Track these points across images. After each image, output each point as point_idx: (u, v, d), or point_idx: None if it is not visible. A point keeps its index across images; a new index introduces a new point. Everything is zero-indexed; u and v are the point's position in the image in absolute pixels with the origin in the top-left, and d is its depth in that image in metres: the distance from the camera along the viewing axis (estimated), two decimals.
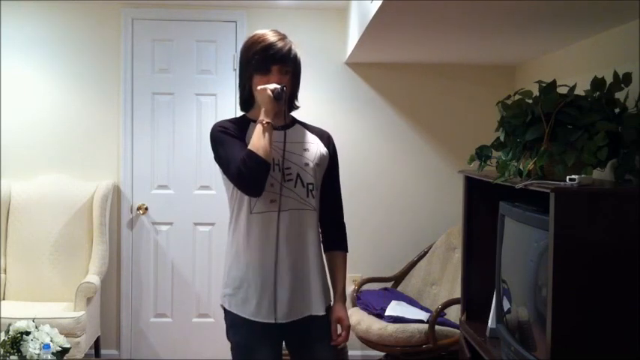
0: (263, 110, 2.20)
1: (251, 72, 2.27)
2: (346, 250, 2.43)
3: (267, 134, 2.16)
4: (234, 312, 2.27)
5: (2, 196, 4.31)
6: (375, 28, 3.15)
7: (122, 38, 4.49)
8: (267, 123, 2.17)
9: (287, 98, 2.28)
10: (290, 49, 2.29)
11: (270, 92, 2.19)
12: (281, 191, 2.23)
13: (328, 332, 2.33)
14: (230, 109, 4.49)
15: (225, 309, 2.32)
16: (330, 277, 2.39)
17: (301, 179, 2.26)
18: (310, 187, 2.27)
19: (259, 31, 2.34)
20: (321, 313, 2.29)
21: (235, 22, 4.52)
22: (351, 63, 4.53)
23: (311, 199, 2.27)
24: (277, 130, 2.24)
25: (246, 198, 2.23)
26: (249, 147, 2.15)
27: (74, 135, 4.51)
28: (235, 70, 4.50)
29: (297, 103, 2.37)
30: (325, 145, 2.37)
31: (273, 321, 2.24)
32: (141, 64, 4.51)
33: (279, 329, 2.27)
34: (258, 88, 2.22)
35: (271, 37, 2.28)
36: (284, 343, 2.37)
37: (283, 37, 2.30)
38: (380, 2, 2.66)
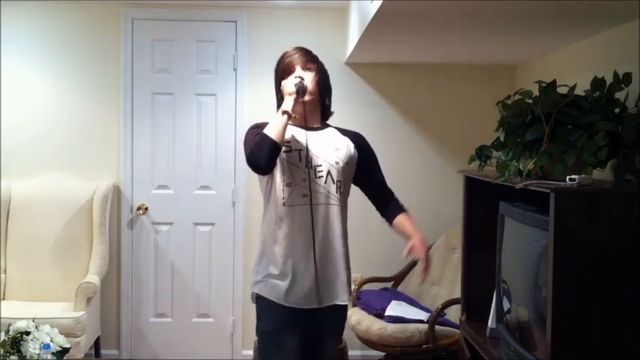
0: (285, 101, 2.38)
1: (280, 78, 2.50)
2: (403, 211, 2.61)
3: (282, 121, 2.32)
4: (265, 296, 2.42)
5: (2, 196, 4.31)
6: (375, 28, 3.15)
7: (122, 38, 4.49)
8: (285, 112, 2.34)
9: (307, 91, 2.46)
10: (310, 52, 2.58)
11: (290, 84, 2.40)
12: (312, 186, 2.39)
13: (343, 319, 2.56)
14: (230, 109, 4.49)
15: (257, 295, 2.46)
16: (405, 231, 2.57)
17: (332, 176, 2.43)
18: (339, 184, 2.45)
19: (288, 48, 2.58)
20: (345, 302, 2.49)
21: (235, 22, 4.52)
22: (351, 63, 4.53)
23: (339, 195, 2.44)
24: (313, 131, 2.48)
25: (279, 191, 2.39)
26: (264, 130, 2.32)
27: (74, 135, 4.51)
28: (235, 70, 4.51)
29: (331, 109, 2.62)
30: (356, 146, 2.56)
31: (302, 307, 2.40)
32: (141, 64, 4.51)
33: (305, 315, 2.41)
34: (282, 82, 2.44)
35: (295, 48, 2.58)
36: None
37: (305, 49, 2.59)
38: (380, 2, 2.66)
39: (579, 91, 2.40)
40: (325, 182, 2.42)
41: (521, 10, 2.69)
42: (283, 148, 2.37)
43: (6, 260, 4.28)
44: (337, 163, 2.46)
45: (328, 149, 2.47)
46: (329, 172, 2.43)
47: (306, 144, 2.43)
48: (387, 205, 2.62)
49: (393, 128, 4.57)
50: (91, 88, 4.52)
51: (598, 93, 2.38)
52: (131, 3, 4.48)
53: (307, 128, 2.47)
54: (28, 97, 4.49)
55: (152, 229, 4.56)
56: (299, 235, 2.39)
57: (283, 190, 2.40)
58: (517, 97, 2.51)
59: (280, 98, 2.47)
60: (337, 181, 2.44)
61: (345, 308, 2.53)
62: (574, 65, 3.46)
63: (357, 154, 2.55)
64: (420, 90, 4.58)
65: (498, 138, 2.63)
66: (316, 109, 2.53)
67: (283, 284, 2.39)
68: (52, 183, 4.41)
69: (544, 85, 2.42)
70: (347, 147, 2.53)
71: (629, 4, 2.50)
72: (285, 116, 2.33)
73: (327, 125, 2.60)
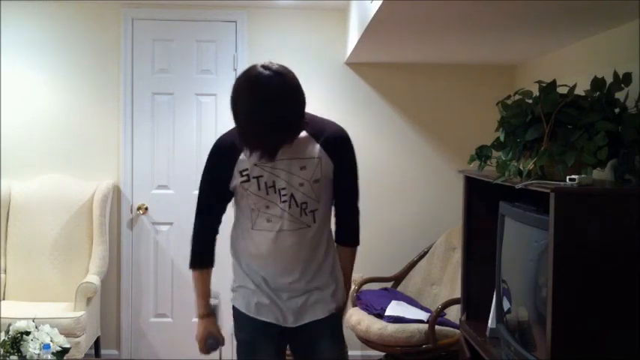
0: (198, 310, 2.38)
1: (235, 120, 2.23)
2: (351, 245, 2.45)
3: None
4: (237, 308, 2.36)
5: (2, 196, 4.31)
6: (375, 28, 3.15)
7: (122, 38, 4.49)
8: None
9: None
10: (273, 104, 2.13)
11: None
12: (275, 212, 2.23)
13: (334, 331, 2.36)
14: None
15: (232, 305, 2.40)
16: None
17: (295, 199, 2.22)
18: (304, 205, 2.23)
19: None
20: (329, 313, 2.32)
21: (235, 22, 4.52)
22: (351, 63, 4.53)
23: (304, 217, 2.24)
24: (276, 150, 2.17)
25: (247, 213, 2.27)
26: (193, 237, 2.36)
27: (74, 135, 4.51)
28: (235, 70, 4.51)
29: (305, 117, 2.22)
30: (329, 152, 2.24)
31: (273, 322, 2.30)
32: (141, 64, 4.51)
33: (282, 329, 2.32)
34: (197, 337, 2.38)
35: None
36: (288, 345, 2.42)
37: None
38: (380, 2, 2.66)
39: (579, 91, 2.40)
40: (289, 207, 2.22)
41: (521, 10, 2.69)
42: (241, 179, 2.22)
43: (6, 260, 4.28)
44: (301, 184, 2.22)
45: (292, 169, 2.21)
46: (292, 196, 2.22)
47: (262, 171, 2.21)
48: (339, 224, 2.41)
49: (392, 128, 4.56)
50: (91, 88, 4.51)
51: (598, 93, 2.37)
52: (131, 3, 4.48)
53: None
54: (28, 97, 4.49)
55: (152, 229, 4.56)
56: (265, 257, 2.26)
57: (250, 214, 2.26)
58: (517, 97, 2.51)
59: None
60: (302, 203, 2.22)
61: (333, 317, 2.34)
62: (574, 65, 3.46)
63: (331, 162, 2.25)
64: (420, 90, 4.58)
65: (498, 138, 2.63)
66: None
67: (250, 301, 2.31)
68: (52, 183, 4.41)
69: (544, 85, 2.42)
70: (317, 160, 2.22)
71: (629, 4, 2.50)
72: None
73: (301, 130, 2.24)
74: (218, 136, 2.35)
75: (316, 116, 2.31)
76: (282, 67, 2.12)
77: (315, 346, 2.33)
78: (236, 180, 2.25)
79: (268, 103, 2.04)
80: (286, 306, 2.29)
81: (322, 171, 2.24)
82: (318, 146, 2.24)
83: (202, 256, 2.36)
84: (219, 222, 2.36)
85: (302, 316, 2.30)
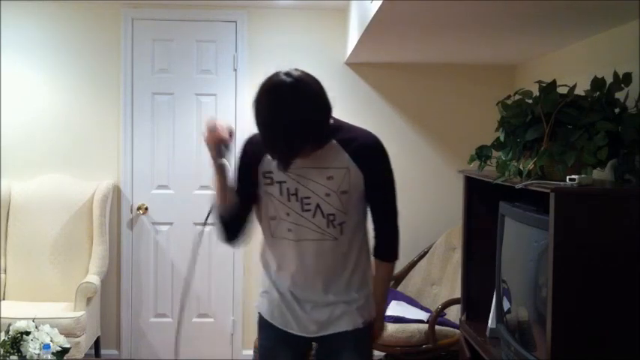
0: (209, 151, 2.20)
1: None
2: (387, 260, 2.35)
3: (215, 178, 2.20)
4: (261, 314, 2.32)
5: (2, 196, 4.31)
6: (375, 28, 3.15)
7: (122, 38, 4.49)
8: (214, 163, 2.19)
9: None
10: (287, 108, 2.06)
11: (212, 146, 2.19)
12: (297, 221, 2.15)
13: (357, 345, 2.27)
14: (230, 109, 4.49)
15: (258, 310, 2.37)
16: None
17: (321, 210, 2.13)
18: (331, 217, 2.14)
19: None
20: (349, 328, 2.23)
21: (235, 22, 4.52)
22: (351, 63, 4.53)
23: (331, 229, 2.15)
24: (304, 159, 2.10)
25: (265, 221, 2.23)
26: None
27: (74, 135, 4.51)
28: (235, 70, 4.51)
29: (335, 123, 2.17)
30: (359, 162, 2.14)
31: (296, 332, 2.25)
32: (141, 64, 4.51)
33: (304, 339, 2.27)
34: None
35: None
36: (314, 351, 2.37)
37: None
38: (380, 2, 2.66)
39: (579, 91, 2.40)
40: (314, 216, 2.13)
41: (521, 10, 2.69)
42: (265, 180, 2.16)
43: (6, 260, 4.28)
44: (328, 195, 2.12)
45: (319, 178, 2.12)
46: (318, 206, 2.13)
47: (287, 177, 2.13)
48: (375, 238, 2.32)
49: (392, 128, 4.56)
50: (91, 88, 4.51)
51: (598, 93, 2.38)
52: (131, 3, 4.48)
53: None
54: (28, 97, 4.49)
55: (152, 229, 4.56)
56: (287, 267, 2.21)
57: (269, 222, 2.20)
58: (517, 97, 2.51)
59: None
60: (329, 214, 2.13)
61: (358, 331, 2.23)
62: (574, 65, 3.46)
63: (360, 173, 2.15)
64: (420, 90, 4.58)
65: (498, 138, 2.63)
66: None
67: (273, 308, 2.27)
68: (52, 183, 4.41)
69: (544, 85, 2.42)
70: (345, 171, 2.13)
71: (629, 4, 2.50)
72: (215, 168, 2.18)
73: (330, 138, 2.15)
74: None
75: (347, 123, 2.23)
76: (305, 74, 2.05)
77: (338, 358, 2.27)
78: (260, 182, 2.19)
79: (284, 109, 1.97)
80: (310, 317, 2.23)
81: (351, 182, 2.14)
82: (346, 155, 2.14)
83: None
84: (246, 210, 2.27)
85: (326, 327, 2.24)
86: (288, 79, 1.99)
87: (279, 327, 2.27)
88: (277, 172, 2.14)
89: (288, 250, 2.19)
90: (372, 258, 2.33)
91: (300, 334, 2.25)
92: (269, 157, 2.13)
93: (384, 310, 2.42)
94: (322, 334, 2.25)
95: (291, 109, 1.97)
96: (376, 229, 2.31)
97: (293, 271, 2.21)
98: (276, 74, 2.02)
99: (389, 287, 2.37)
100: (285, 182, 2.14)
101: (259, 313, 2.34)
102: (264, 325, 2.32)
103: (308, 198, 2.13)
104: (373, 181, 2.19)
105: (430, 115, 4.59)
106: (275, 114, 1.98)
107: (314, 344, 2.33)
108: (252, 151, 2.22)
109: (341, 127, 2.19)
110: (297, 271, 2.21)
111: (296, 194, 2.14)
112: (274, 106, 1.99)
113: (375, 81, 4.57)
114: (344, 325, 2.23)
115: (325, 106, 2.07)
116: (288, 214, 2.16)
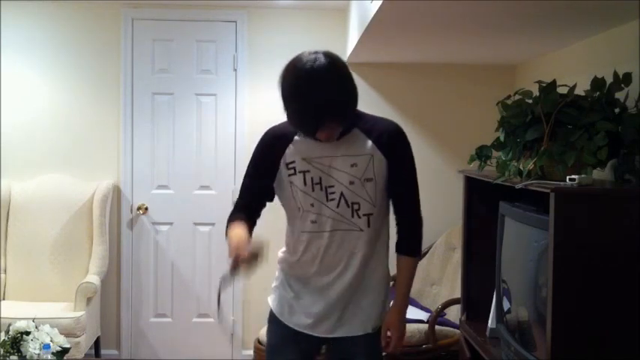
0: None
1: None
2: (411, 255, 2.27)
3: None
4: (272, 310, 2.31)
5: (2, 196, 4.31)
6: (375, 28, 3.15)
7: (122, 38, 4.49)
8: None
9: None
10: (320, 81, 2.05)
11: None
12: (321, 211, 2.13)
13: (367, 352, 2.25)
14: (230, 109, 4.49)
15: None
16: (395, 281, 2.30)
17: (345, 198, 2.12)
18: (356, 206, 2.12)
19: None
20: (359, 333, 2.22)
21: (235, 22, 4.52)
22: (351, 63, 4.50)
23: (357, 220, 2.13)
24: (326, 146, 2.11)
25: (293, 213, 2.19)
26: (229, 224, 2.14)
27: (74, 135, 4.51)
28: (235, 70, 4.51)
29: (357, 113, 2.18)
30: (384, 149, 2.15)
31: (305, 331, 2.24)
32: (141, 64, 4.51)
33: (312, 339, 2.25)
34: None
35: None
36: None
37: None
38: (380, 2, 2.66)
39: (579, 91, 2.40)
40: (338, 206, 2.11)
41: (521, 10, 2.69)
42: (288, 171, 2.14)
43: (6, 260, 4.28)
44: (352, 182, 2.11)
45: (343, 166, 2.12)
46: (342, 194, 2.11)
47: (310, 166, 2.13)
48: (398, 230, 2.26)
49: None
50: (91, 88, 4.52)
51: (598, 93, 2.37)
52: (131, 3, 4.48)
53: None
54: (28, 97, 4.49)
55: (152, 229, 4.56)
56: (311, 262, 2.18)
57: (295, 213, 2.18)
58: (517, 97, 2.51)
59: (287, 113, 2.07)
60: (353, 203, 2.12)
61: (369, 337, 2.23)
62: (574, 65, 3.46)
63: (384, 159, 2.14)
64: (420, 90, 4.58)
65: (498, 138, 2.63)
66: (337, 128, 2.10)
67: (283, 304, 2.26)
68: (52, 183, 4.41)
69: (544, 85, 2.42)
70: (369, 157, 2.13)
71: (629, 4, 2.50)
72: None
73: (352, 127, 2.16)
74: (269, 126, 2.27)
75: (368, 113, 2.26)
76: (333, 54, 2.08)
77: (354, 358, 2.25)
78: (282, 173, 2.17)
79: (320, 87, 1.97)
80: (321, 316, 2.21)
81: (375, 169, 2.13)
82: (370, 142, 2.15)
83: (233, 216, 2.21)
84: (256, 213, 2.25)
85: (336, 329, 2.22)
86: (316, 55, 2.02)
87: (289, 325, 2.26)
88: (300, 161, 2.14)
89: (313, 243, 2.16)
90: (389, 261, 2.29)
91: (308, 332, 2.23)
92: (292, 147, 2.15)
93: (405, 314, 2.30)
94: (332, 336, 2.23)
95: (328, 88, 1.98)
96: (399, 221, 2.26)
97: (314, 263, 2.19)
98: (312, 52, 2.05)
99: (410, 289, 2.32)
100: (308, 171, 2.13)
101: (270, 309, 2.33)
102: (274, 321, 2.31)
103: (332, 187, 2.12)
104: (397, 167, 2.17)
105: (430, 115, 4.59)
106: (304, 84, 1.98)
107: (323, 347, 2.32)
108: (274, 144, 2.20)
109: (363, 116, 2.23)
110: (317, 264, 2.18)
111: (320, 183, 2.13)
112: (310, 82, 1.98)
113: (375, 81, 4.57)
114: (355, 330, 2.22)
115: (354, 88, 2.09)
116: (312, 205, 2.14)
